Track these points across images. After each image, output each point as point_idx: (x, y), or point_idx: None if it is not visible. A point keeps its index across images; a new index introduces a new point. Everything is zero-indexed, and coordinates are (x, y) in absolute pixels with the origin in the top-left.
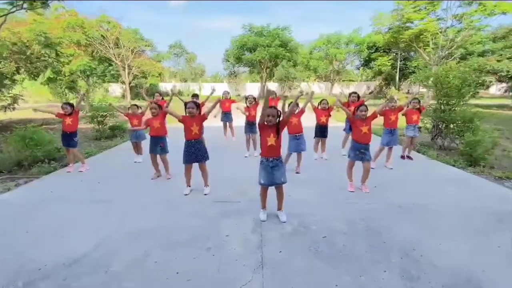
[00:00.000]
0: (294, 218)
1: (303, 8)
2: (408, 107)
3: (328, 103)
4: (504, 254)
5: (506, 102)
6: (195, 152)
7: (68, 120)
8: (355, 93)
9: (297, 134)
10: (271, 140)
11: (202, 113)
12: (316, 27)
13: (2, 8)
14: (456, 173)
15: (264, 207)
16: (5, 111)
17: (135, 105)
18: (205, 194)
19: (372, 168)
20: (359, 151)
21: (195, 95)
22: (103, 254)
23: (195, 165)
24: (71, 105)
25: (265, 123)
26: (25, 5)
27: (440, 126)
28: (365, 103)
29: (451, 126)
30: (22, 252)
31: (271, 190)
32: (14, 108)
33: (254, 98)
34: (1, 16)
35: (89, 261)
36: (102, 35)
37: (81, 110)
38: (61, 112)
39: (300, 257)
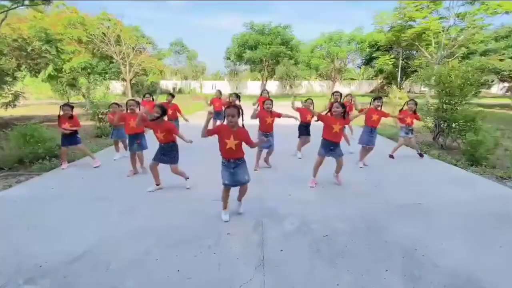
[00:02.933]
0: (295, 217)
1: (304, 7)
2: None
3: (313, 103)
4: (506, 254)
5: (508, 102)
6: (164, 154)
7: (68, 125)
8: (338, 92)
9: (267, 133)
10: (230, 143)
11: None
12: (317, 26)
13: (3, 4)
14: (457, 172)
15: (225, 207)
16: (6, 108)
17: (115, 103)
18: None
19: (366, 165)
20: (329, 148)
21: (171, 95)
22: (104, 252)
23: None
24: (72, 107)
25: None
26: (26, 2)
27: (442, 125)
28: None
29: (453, 125)
30: (23, 249)
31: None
32: (15, 105)
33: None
34: (2, 13)
35: (89, 258)
36: (103, 33)
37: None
38: (61, 115)
39: (301, 256)
